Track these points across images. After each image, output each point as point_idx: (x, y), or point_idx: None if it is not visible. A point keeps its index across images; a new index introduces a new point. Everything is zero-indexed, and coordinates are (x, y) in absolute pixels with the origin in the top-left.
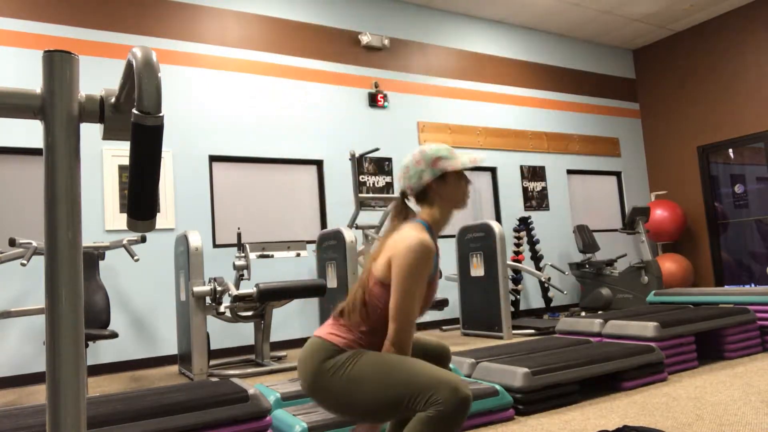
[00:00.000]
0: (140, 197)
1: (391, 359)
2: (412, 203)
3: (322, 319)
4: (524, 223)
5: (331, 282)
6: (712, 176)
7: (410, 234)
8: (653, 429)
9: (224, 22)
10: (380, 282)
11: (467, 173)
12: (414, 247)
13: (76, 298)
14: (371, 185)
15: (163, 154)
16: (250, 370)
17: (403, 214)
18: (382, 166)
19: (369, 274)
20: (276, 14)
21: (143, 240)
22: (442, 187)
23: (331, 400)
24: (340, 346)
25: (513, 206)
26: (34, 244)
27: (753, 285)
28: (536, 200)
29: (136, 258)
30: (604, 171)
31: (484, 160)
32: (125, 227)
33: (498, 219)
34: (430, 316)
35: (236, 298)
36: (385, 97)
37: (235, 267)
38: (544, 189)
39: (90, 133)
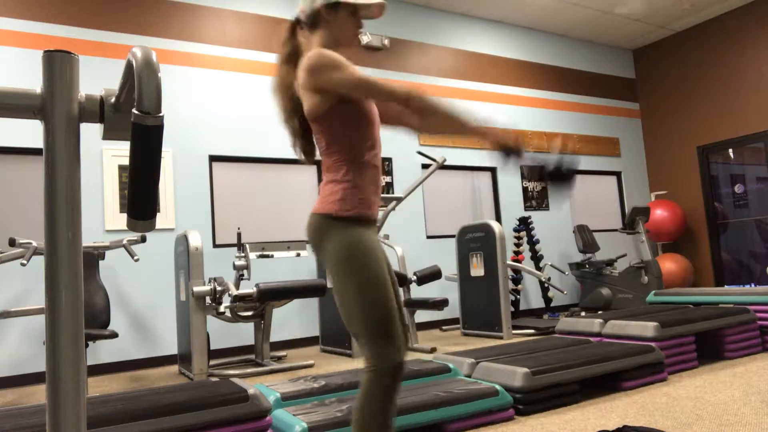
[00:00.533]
0: (140, 197)
1: (374, 280)
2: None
3: (322, 319)
4: (524, 223)
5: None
6: (712, 176)
7: (304, 60)
8: (653, 429)
9: (224, 22)
10: (316, 118)
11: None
12: (312, 57)
13: (76, 298)
14: None
15: (163, 154)
16: (250, 370)
17: (291, 42)
18: (382, 166)
19: (306, 125)
20: (276, 14)
21: (143, 240)
22: (332, 17)
23: (331, 268)
24: (333, 215)
25: (513, 206)
26: (34, 244)
27: (753, 285)
28: (536, 200)
29: (136, 258)
30: (604, 171)
31: (382, 7)
32: (125, 227)
33: (498, 219)
34: (430, 316)
35: (236, 298)
36: None
37: (235, 267)
38: (544, 189)
39: (90, 133)
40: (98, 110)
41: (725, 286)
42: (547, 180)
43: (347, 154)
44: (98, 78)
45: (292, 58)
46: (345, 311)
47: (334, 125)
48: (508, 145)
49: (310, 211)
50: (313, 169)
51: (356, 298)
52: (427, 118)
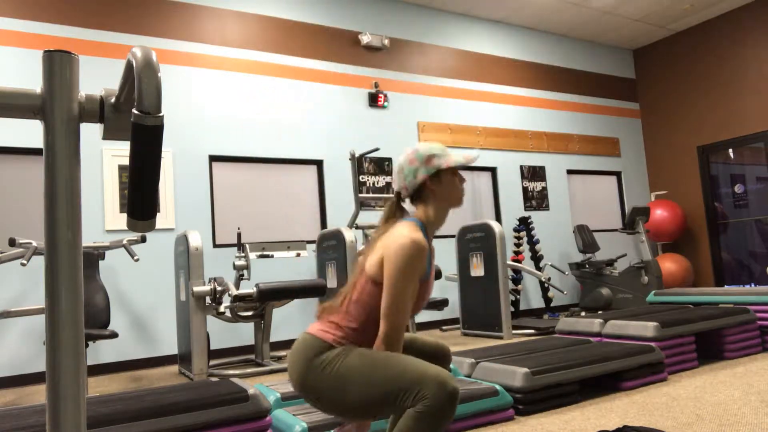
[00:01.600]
0: (140, 197)
1: (378, 356)
2: (407, 204)
3: None
4: (524, 223)
5: (331, 282)
6: (712, 176)
7: (403, 232)
8: (653, 429)
9: (224, 22)
10: (372, 280)
11: (462, 172)
12: (406, 245)
13: (76, 298)
14: (371, 185)
15: (163, 154)
16: (250, 370)
17: (397, 214)
18: (382, 166)
19: (361, 272)
20: (276, 14)
21: (143, 240)
22: (436, 186)
23: (321, 397)
24: (330, 343)
25: (513, 206)
26: (34, 244)
27: (753, 285)
28: (536, 200)
29: (136, 258)
30: (604, 171)
31: (478, 158)
32: (125, 227)
33: (498, 219)
34: (430, 315)
35: (236, 298)
36: (385, 97)
37: (235, 267)
38: (544, 189)
39: (90, 133)
40: (98, 110)
41: (725, 286)
42: None
43: (365, 317)
44: (98, 78)
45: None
46: (373, 402)
47: (375, 293)
48: None
49: (303, 333)
50: (313, 168)
51: (366, 382)
52: (386, 343)
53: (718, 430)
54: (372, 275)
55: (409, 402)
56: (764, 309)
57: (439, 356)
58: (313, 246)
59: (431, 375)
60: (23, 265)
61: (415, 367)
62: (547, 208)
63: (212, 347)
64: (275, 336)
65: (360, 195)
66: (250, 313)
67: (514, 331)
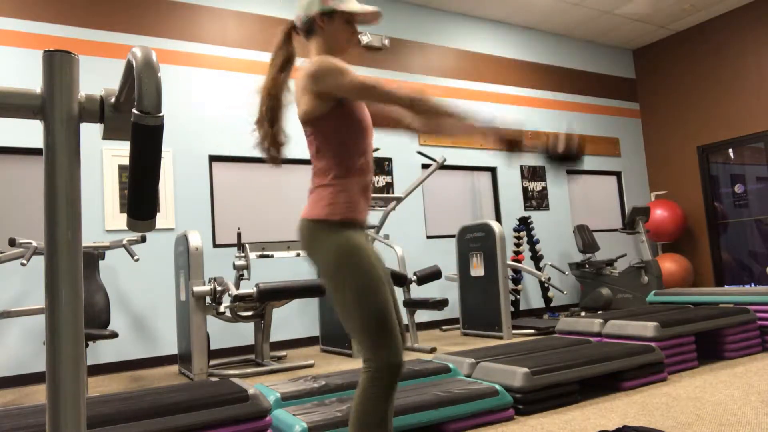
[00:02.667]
0: (140, 197)
1: (368, 284)
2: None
3: (322, 319)
4: (524, 223)
5: None
6: (712, 176)
7: (304, 67)
8: (653, 429)
9: (224, 22)
10: (308, 122)
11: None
12: (313, 65)
13: (76, 298)
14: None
15: (163, 154)
16: (250, 370)
17: (286, 48)
18: (382, 166)
19: (303, 129)
20: (276, 14)
21: (143, 240)
22: (327, 25)
23: (326, 275)
24: (322, 219)
25: (513, 206)
26: (34, 243)
27: (753, 285)
28: (536, 200)
29: (136, 258)
30: (604, 171)
31: (377, 16)
32: (125, 227)
33: (498, 219)
34: (430, 315)
35: (236, 298)
36: None
37: (235, 267)
38: (544, 189)
39: (90, 132)
40: (98, 110)
41: (725, 286)
42: (554, 161)
43: (337, 159)
44: (98, 78)
45: (285, 64)
46: (343, 314)
47: (327, 130)
48: (511, 141)
49: (300, 216)
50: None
51: (352, 301)
52: (431, 120)
53: (718, 430)
54: (306, 118)
55: (362, 352)
56: (764, 309)
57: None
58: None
59: (387, 344)
60: (23, 265)
61: (385, 325)
62: (547, 208)
63: (212, 347)
64: (275, 336)
65: None
66: (250, 313)
67: (514, 331)
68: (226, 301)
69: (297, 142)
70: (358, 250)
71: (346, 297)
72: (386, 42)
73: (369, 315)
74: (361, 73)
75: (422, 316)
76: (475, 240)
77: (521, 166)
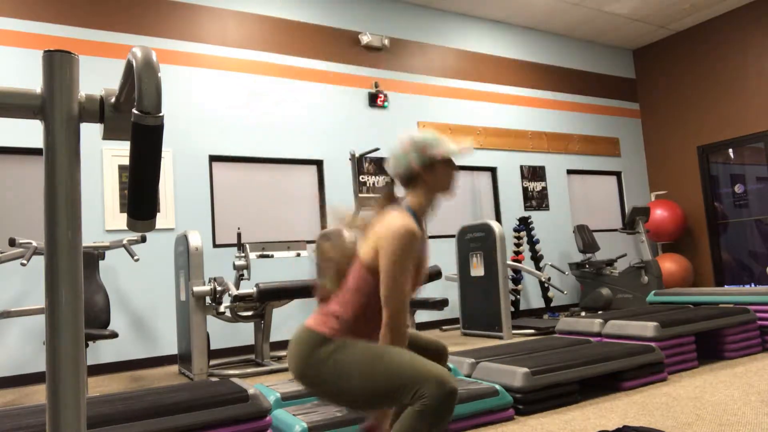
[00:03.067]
0: (140, 197)
1: (378, 350)
2: (400, 191)
3: None
4: (524, 223)
5: None
6: (712, 176)
7: (395, 220)
8: (653, 429)
9: (224, 22)
10: (366, 267)
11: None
12: (399, 233)
13: (76, 298)
14: (371, 185)
15: (163, 154)
16: (250, 370)
17: (389, 201)
18: (382, 166)
19: (356, 260)
20: (276, 14)
21: (143, 240)
22: (429, 174)
23: (322, 389)
24: (328, 336)
25: (513, 206)
26: (34, 244)
27: (753, 285)
28: (536, 200)
29: (136, 258)
30: (604, 171)
31: (471, 149)
32: (125, 227)
33: (498, 219)
34: (430, 315)
35: (236, 298)
36: (385, 97)
37: (235, 267)
38: (544, 189)
39: (90, 132)
40: (98, 110)
41: (725, 286)
42: None
43: (360, 304)
44: (98, 78)
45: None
46: (366, 395)
47: (370, 280)
48: None
49: (302, 325)
50: (313, 169)
51: (365, 378)
52: (391, 329)
53: (718, 429)
54: (366, 263)
55: (408, 399)
56: (764, 309)
57: (437, 354)
58: (313, 246)
59: (430, 373)
60: (23, 265)
61: (415, 364)
62: (547, 208)
63: (212, 347)
64: (275, 336)
65: (360, 195)
66: (250, 313)
67: (514, 331)
68: (226, 301)
69: (298, 141)
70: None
71: (359, 380)
72: (386, 42)
73: (389, 376)
74: (360, 73)
75: (422, 316)
76: (475, 240)
77: (521, 166)
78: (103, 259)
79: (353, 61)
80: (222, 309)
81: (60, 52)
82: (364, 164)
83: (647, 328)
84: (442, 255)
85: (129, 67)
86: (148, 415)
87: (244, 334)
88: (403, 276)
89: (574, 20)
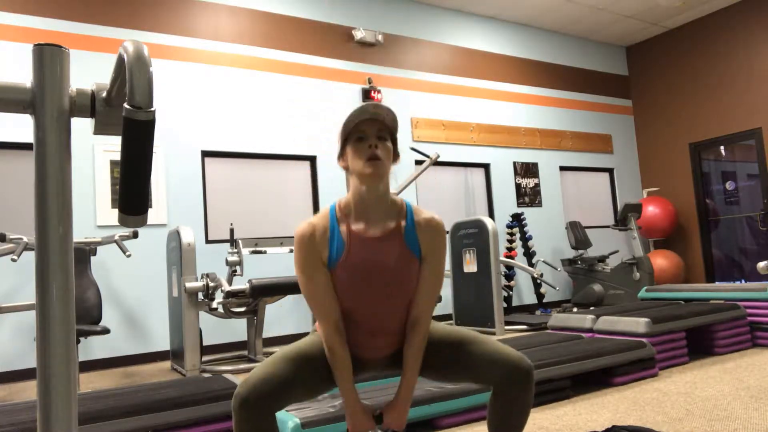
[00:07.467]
0: (132, 192)
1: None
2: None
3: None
4: (517, 220)
5: None
6: (704, 173)
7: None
8: (642, 428)
9: (217, 17)
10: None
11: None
12: (295, 238)
13: (67, 294)
14: None
15: (155, 149)
16: (242, 366)
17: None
18: None
19: None
20: (269, 9)
21: (135, 235)
22: (346, 162)
23: None
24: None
25: (506, 202)
26: (25, 239)
27: (743, 281)
28: (529, 196)
29: (127, 253)
30: (597, 167)
31: (366, 115)
32: (117, 222)
33: (491, 215)
34: None
35: (229, 294)
36: (378, 92)
37: (227, 263)
38: (537, 185)
39: (81, 127)
40: (89, 105)
41: (716, 283)
42: None
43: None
44: (89, 72)
45: None
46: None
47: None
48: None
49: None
50: (306, 164)
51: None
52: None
53: (708, 424)
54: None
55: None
56: (754, 305)
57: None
58: None
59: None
60: (14, 260)
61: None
62: (539, 204)
63: (205, 343)
64: (268, 332)
65: None
66: (242, 309)
67: (506, 327)
68: (219, 297)
69: (291, 137)
70: None
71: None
72: (380, 37)
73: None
74: (354, 68)
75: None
76: (468, 236)
77: (514, 163)
78: (94, 254)
79: (347, 57)
80: (214, 305)
81: (50, 45)
82: None
83: (638, 324)
84: None
85: (120, 61)
86: (140, 412)
87: (236, 330)
88: (310, 285)
89: (568, 17)
